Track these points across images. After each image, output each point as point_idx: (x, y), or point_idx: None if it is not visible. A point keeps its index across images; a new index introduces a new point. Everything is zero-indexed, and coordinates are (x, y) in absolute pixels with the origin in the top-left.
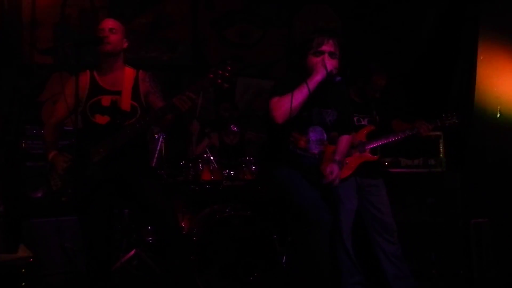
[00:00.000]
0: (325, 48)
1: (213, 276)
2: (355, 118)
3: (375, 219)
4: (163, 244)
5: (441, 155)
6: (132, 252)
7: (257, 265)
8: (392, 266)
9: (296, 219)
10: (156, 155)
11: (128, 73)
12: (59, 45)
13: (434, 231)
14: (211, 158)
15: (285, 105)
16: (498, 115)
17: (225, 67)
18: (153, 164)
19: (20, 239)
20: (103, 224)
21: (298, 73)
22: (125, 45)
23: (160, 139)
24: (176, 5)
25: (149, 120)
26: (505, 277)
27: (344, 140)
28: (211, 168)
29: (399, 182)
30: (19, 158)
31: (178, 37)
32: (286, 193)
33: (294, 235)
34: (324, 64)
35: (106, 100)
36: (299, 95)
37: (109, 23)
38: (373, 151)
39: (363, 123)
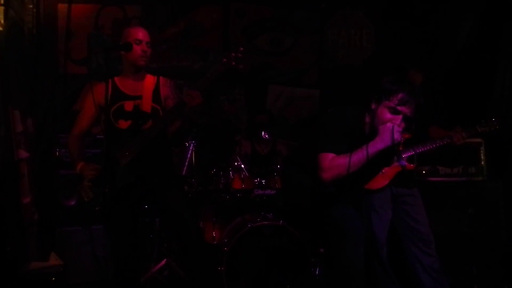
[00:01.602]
0: (404, 109)
1: (244, 287)
2: None
3: (411, 230)
4: (184, 252)
5: (482, 163)
6: (163, 262)
7: (289, 277)
8: (430, 279)
9: (330, 229)
10: (186, 163)
11: (149, 79)
12: (92, 53)
13: (475, 243)
14: (242, 166)
15: (340, 170)
16: None
17: (237, 48)
18: (184, 172)
19: (52, 247)
20: (131, 233)
21: (351, 118)
22: None
23: (191, 147)
24: (207, 14)
25: (165, 117)
26: None
27: None
28: (242, 176)
29: (438, 191)
30: (52, 167)
31: (209, 46)
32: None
33: (328, 245)
34: (393, 134)
35: (128, 105)
36: (357, 162)
37: (147, 36)
38: (410, 159)
39: None
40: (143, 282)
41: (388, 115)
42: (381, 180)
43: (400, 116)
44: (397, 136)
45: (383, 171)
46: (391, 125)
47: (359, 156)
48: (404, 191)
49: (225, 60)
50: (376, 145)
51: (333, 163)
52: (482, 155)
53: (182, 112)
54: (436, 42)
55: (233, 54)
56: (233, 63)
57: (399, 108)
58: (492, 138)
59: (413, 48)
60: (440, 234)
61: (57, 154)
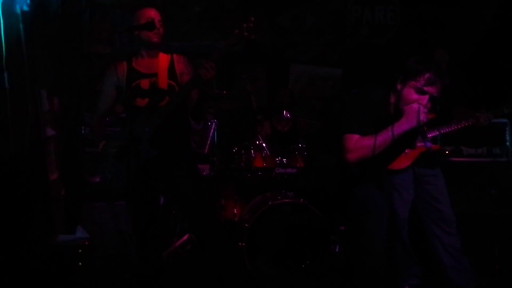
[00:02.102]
0: (431, 90)
1: (264, 263)
2: None
3: (433, 209)
4: (196, 235)
5: (507, 143)
6: (186, 237)
7: (309, 254)
8: (451, 258)
9: (353, 208)
10: (208, 142)
11: (163, 57)
12: (115, 32)
13: (498, 224)
14: (264, 145)
15: (365, 151)
16: None
17: (248, 19)
18: (206, 151)
19: (79, 221)
20: (152, 209)
21: (376, 98)
22: None
23: (213, 126)
24: None
25: (180, 92)
26: None
27: None
28: (263, 155)
29: (461, 171)
30: (78, 144)
31: (231, 24)
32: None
33: (351, 224)
34: (419, 114)
35: (144, 84)
36: (382, 143)
37: (157, 15)
38: (433, 140)
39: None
40: (166, 256)
41: (415, 96)
42: (404, 160)
43: (427, 97)
44: (423, 117)
45: (406, 151)
46: (417, 106)
47: (384, 137)
48: (427, 172)
49: (237, 31)
50: (402, 126)
51: (358, 145)
52: (507, 135)
53: (199, 85)
54: (461, 23)
55: (245, 25)
56: (246, 34)
57: (425, 88)
58: None
59: (438, 27)
60: (463, 215)
61: (83, 132)
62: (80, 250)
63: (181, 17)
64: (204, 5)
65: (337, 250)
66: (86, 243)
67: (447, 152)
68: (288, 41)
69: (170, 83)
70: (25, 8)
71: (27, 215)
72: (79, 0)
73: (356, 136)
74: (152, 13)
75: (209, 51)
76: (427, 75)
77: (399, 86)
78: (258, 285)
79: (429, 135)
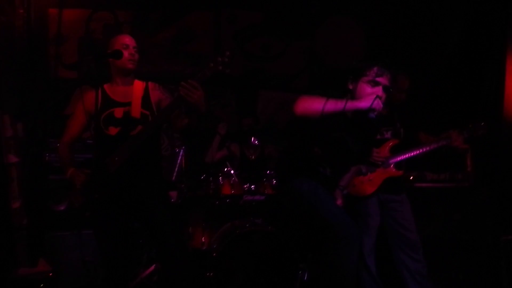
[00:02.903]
0: (382, 80)
1: None
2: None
3: (399, 236)
4: (162, 264)
5: (469, 169)
6: (152, 267)
7: (277, 282)
8: (417, 285)
9: (323, 235)
10: (176, 169)
11: (138, 84)
12: (82, 59)
13: (461, 249)
14: (232, 172)
15: (314, 105)
16: None
17: (223, 53)
18: (174, 178)
19: (41, 252)
20: (120, 239)
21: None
22: None
23: (181, 153)
24: (199, 19)
25: (159, 116)
26: None
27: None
28: (231, 182)
29: (425, 197)
30: (42, 171)
31: (200, 51)
32: (311, 207)
33: (322, 251)
34: (376, 99)
35: (118, 112)
36: (332, 105)
37: (133, 41)
38: (398, 165)
39: (386, 136)
40: (133, 287)
41: (369, 89)
42: (369, 187)
43: (380, 87)
44: (377, 103)
45: (370, 178)
46: (375, 90)
47: (336, 103)
48: (392, 197)
49: (212, 64)
50: (357, 104)
51: (310, 98)
52: (468, 161)
53: (182, 107)
54: (425, 48)
55: (220, 59)
56: (220, 68)
57: (377, 79)
58: (478, 144)
59: (403, 52)
60: (427, 240)
61: (47, 158)
62: (42, 285)
63: (150, 44)
64: (173, 31)
65: (305, 278)
66: (50, 275)
67: (411, 177)
68: (257, 68)
69: (143, 112)
70: None
71: None
72: (46, 26)
73: (311, 95)
74: (127, 40)
75: (178, 77)
76: (375, 68)
77: (351, 86)
78: None
79: (393, 161)
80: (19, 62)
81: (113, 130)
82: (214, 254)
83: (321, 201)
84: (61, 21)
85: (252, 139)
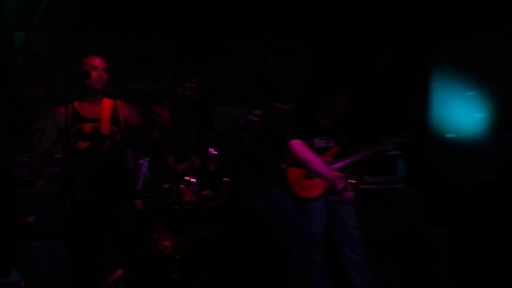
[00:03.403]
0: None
1: None
2: (323, 141)
3: (343, 233)
4: (131, 268)
5: (401, 172)
6: (119, 272)
7: (237, 281)
8: (359, 277)
9: (285, 238)
10: (141, 179)
11: (106, 102)
12: (50, 79)
13: (395, 243)
14: (192, 180)
15: (311, 159)
16: (450, 135)
17: (190, 79)
18: (139, 188)
19: (12, 263)
20: (90, 247)
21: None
22: None
23: (145, 164)
24: (159, 42)
25: (130, 133)
26: (458, 281)
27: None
28: (192, 189)
29: (364, 198)
30: (10, 185)
31: (161, 71)
32: (275, 211)
33: (284, 253)
34: (348, 187)
35: (87, 128)
36: (319, 167)
37: (102, 63)
38: (340, 170)
39: (330, 145)
40: None
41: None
42: (317, 189)
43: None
44: (348, 194)
45: (318, 181)
46: (344, 184)
47: (321, 168)
48: (337, 199)
49: (180, 89)
50: (333, 179)
51: (306, 150)
52: (400, 165)
53: (151, 126)
54: (362, 67)
55: (187, 85)
56: (187, 93)
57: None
58: (409, 151)
59: (344, 71)
60: (366, 236)
61: (15, 173)
62: None
63: (114, 64)
64: (135, 53)
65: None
66: (22, 284)
67: (352, 181)
68: (213, 86)
69: (112, 128)
70: None
71: None
72: (12, 46)
73: (300, 141)
74: (96, 62)
75: (140, 95)
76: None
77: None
78: None
79: (336, 166)
80: None
81: (82, 144)
82: (178, 257)
83: (286, 205)
84: (28, 44)
85: (212, 150)
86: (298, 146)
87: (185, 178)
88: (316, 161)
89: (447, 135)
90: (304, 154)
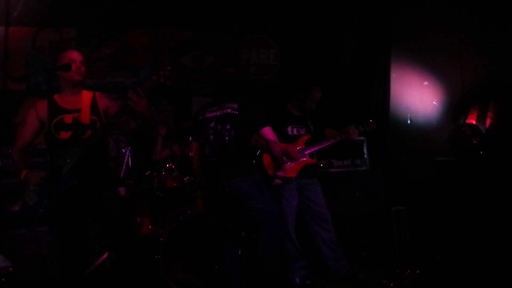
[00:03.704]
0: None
1: (179, 271)
2: (295, 129)
3: (313, 211)
4: (116, 251)
5: (365, 156)
6: (105, 255)
7: (216, 259)
8: (329, 250)
9: (262, 215)
10: (124, 167)
11: (86, 94)
12: (31, 72)
13: (362, 220)
14: (173, 167)
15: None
16: (409, 122)
17: (165, 68)
18: (122, 175)
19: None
20: (76, 232)
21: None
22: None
23: (127, 153)
24: (137, 36)
25: (109, 121)
26: (420, 254)
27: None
28: (173, 176)
29: (333, 180)
30: None
31: (139, 64)
32: (259, 192)
33: (256, 233)
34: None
35: (68, 118)
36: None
37: (80, 56)
38: (311, 155)
39: (301, 132)
40: (87, 275)
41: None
42: (290, 173)
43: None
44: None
45: (291, 165)
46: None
47: (276, 148)
48: (307, 181)
49: (155, 77)
50: (277, 158)
51: (274, 135)
52: (365, 150)
53: (129, 113)
54: (327, 60)
55: (162, 73)
56: (162, 80)
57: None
58: (372, 137)
59: (311, 64)
60: (336, 215)
61: (0, 164)
62: (3, 279)
63: (94, 57)
64: (114, 46)
65: (239, 253)
66: (10, 269)
67: (321, 164)
68: (190, 78)
69: (92, 118)
70: None
71: None
72: None
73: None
74: (74, 55)
75: (120, 87)
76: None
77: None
78: None
79: (307, 151)
80: None
81: (64, 135)
82: (161, 239)
83: (264, 191)
84: (8, 38)
85: (191, 138)
86: (268, 132)
87: (167, 165)
88: (274, 145)
89: (405, 122)
90: (270, 138)
